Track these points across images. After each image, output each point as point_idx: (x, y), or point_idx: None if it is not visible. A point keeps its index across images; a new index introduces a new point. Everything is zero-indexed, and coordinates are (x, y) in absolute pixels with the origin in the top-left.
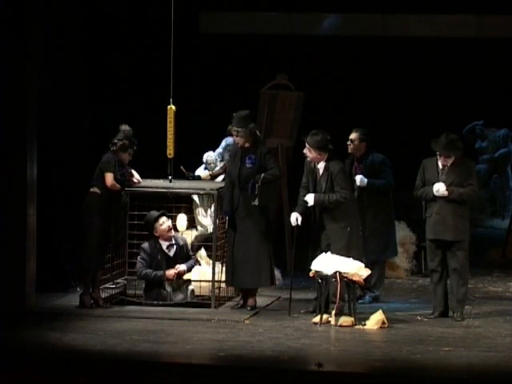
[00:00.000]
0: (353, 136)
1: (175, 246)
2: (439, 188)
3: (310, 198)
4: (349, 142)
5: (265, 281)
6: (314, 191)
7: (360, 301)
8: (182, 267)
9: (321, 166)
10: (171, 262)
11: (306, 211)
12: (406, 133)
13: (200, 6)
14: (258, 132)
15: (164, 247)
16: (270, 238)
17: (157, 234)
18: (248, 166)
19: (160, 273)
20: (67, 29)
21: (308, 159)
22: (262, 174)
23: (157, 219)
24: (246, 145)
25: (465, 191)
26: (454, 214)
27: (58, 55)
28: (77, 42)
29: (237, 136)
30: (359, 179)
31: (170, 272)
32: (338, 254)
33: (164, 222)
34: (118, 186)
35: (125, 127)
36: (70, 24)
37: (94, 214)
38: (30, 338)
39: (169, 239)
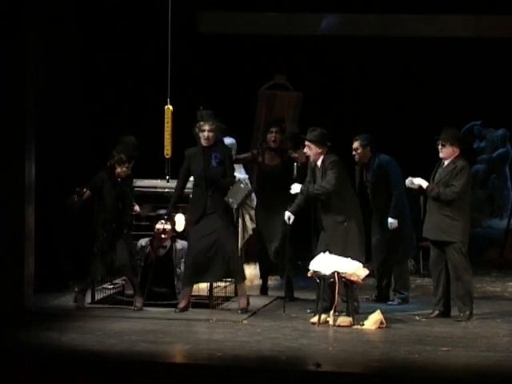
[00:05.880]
0: (355, 145)
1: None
2: (412, 180)
3: (295, 188)
4: (353, 152)
5: (228, 274)
6: None
7: (389, 302)
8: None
9: (319, 162)
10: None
11: (299, 211)
12: (405, 132)
13: (199, 6)
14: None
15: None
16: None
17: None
18: (215, 165)
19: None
20: (64, 28)
21: (310, 159)
22: (221, 180)
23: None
24: (210, 142)
25: (443, 191)
26: (438, 213)
27: (55, 55)
28: (74, 41)
29: (211, 132)
30: (390, 225)
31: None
32: (334, 250)
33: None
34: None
35: (127, 139)
36: (67, 23)
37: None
38: (28, 338)
39: (161, 241)
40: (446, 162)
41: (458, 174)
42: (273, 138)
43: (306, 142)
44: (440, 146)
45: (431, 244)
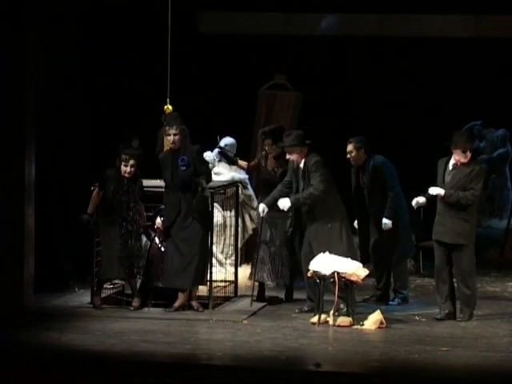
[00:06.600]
0: (349, 148)
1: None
2: (419, 200)
3: (285, 203)
4: (348, 155)
5: (193, 282)
6: (297, 190)
7: (390, 302)
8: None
9: (302, 163)
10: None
11: (274, 203)
12: (405, 133)
13: (199, 6)
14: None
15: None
16: (207, 240)
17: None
18: (183, 168)
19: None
20: (64, 28)
21: (294, 162)
22: (197, 178)
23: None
24: (177, 146)
25: (463, 195)
26: (454, 217)
27: (55, 55)
28: (74, 41)
29: (176, 135)
30: (384, 225)
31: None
32: (318, 249)
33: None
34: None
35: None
36: (67, 23)
37: None
38: (28, 338)
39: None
40: (459, 165)
41: (477, 177)
42: (268, 150)
43: (286, 149)
44: (468, 152)
45: (440, 246)
